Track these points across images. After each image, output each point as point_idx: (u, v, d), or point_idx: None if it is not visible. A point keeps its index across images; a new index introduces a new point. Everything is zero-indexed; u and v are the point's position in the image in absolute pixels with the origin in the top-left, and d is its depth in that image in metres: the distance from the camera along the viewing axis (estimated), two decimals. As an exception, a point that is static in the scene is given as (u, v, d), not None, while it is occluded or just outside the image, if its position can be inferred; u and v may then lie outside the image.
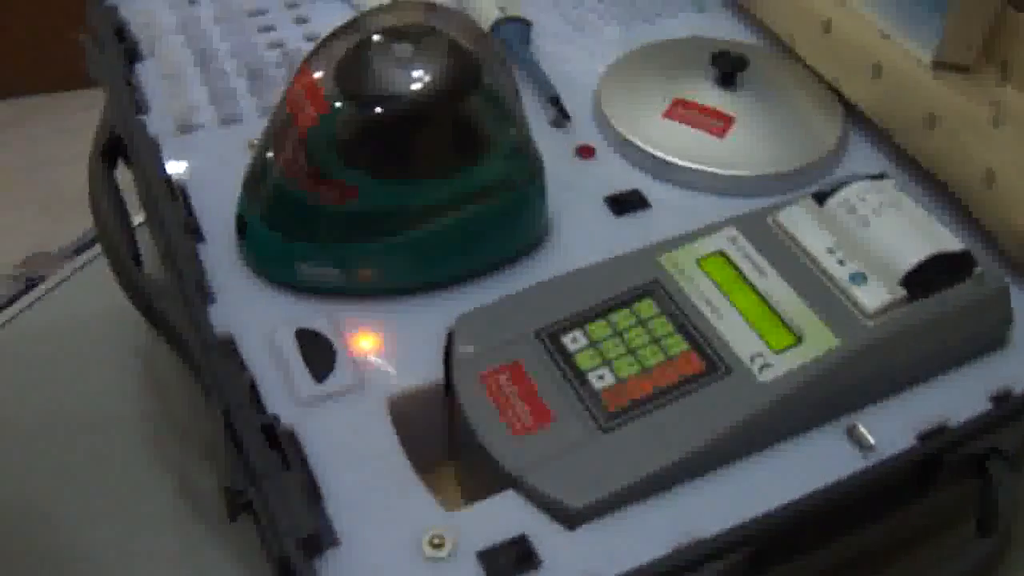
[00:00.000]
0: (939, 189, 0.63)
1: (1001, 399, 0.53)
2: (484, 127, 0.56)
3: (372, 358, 0.55)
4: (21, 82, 1.86)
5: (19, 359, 0.72)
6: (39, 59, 1.74)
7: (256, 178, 0.58)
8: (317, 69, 0.56)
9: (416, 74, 0.55)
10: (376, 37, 0.56)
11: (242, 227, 0.59)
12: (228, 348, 0.55)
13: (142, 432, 0.66)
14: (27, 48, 1.78)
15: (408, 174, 0.55)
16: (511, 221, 0.58)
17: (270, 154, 0.57)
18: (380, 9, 0.61)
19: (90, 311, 0.74)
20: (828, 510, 0.48)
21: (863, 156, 0.67)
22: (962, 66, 0.63)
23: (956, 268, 0.54)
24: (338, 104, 0.55)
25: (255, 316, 0.56)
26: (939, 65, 0.63)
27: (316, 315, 0.56)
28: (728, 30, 0.76)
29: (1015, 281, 0.59)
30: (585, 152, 0.66)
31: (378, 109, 0.55)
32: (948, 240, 0.54)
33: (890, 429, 0.51)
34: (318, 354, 0.54)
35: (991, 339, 0.56)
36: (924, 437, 0.51)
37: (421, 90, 0.55)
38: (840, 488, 0.48)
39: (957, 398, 0.53)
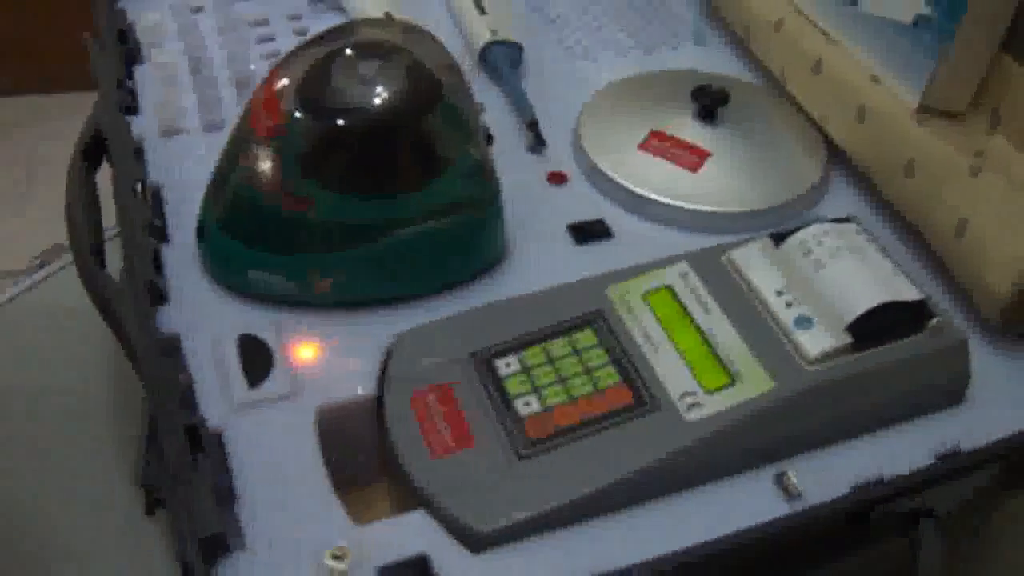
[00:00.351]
0: (919, 238, 0.61)
1: (947, 458, 0.51)
2: (441, 147, 0.56)
3: (309, 368, 0.54)
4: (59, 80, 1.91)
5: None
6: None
7: (217, 184, 0.58)
8: (281, 80, 0.57)
9: (374, 91, 0.55)
10: (339, 52, 0.57)
11: (201, 232, 0.59)
12: (172, 348, 0.55)
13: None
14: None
15: (362, 189, 0.55)
16: (465, 242, 0.58)
17: (231, 162, 0.58)
18: (359, 23, 0.61)
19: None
20: (737, 553, 0.46)
21: (844, 199, 0.65)
22: (950, 112, 0.61)
23: (910, 318, 0.52)
24: (296, 115, 0.55)
25: (204, 319, 0.57)
26: (926, 110, 0.61)
27: (262, 322, 0.56)
28: (727, 65, 0.75)
29: (984, 337, 0.57)
30: (556, 178, 0.65)
31: (333, 122, 0.55)
32: (904, 288, 0.52)
33: (823, 479, 0.50)
34: (256, 360, 0.54)
35: (945, 395, 0.54)
36: (857, 489, 0.49)
37: (378, 107, 0.55)
38: (750, 533, 0.46)
39: (900, 454, 0.51)
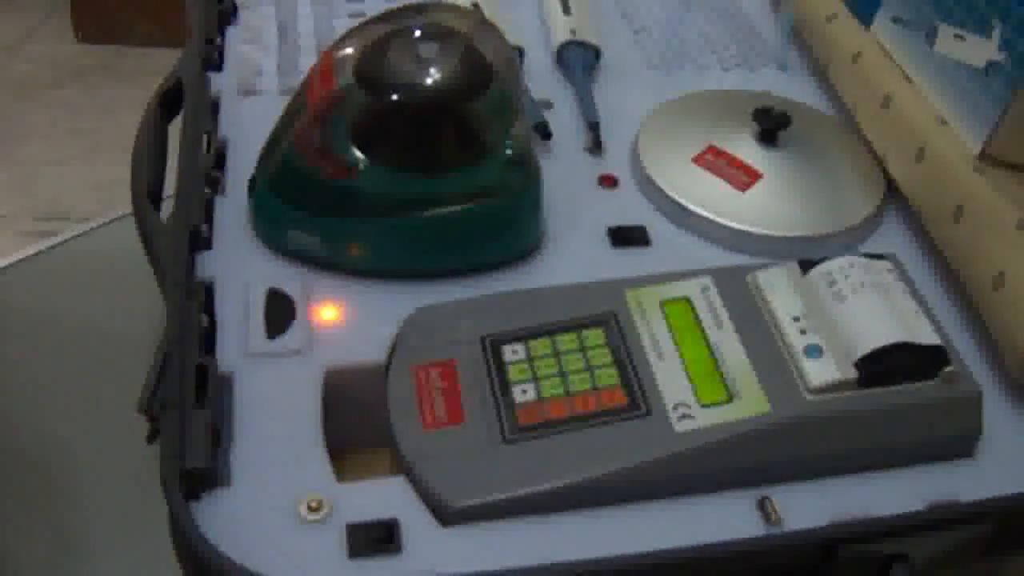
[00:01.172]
0: (962, 288, 0.60)
1: (938, 508, 0.50)
2: (486, 133, 0.57)
3: (327, 329, 0.56)
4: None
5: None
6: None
7: (271, 145, 0.61)
8: (341, 51, 0.59)
9: (427, 71, 0.57)
10: (400, 31, 0.58)
11: (252, 187, 0.61)
12: (202, 291, 0.57)
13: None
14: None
15: (404, 163, 0.57)
16: (498, 228, 0.59)
17: (285, 125, 0.60)
18: (434, 6, 0.63)
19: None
20: (698, 568, 0.46)
21: (894, 239, 0.64)
22: (1012, 164, 0.59)
23: (924, 363, 0.51)
24: (349, 86, 0.57)
25: (240, 270, 0.59)
26: (987, 158, 0.60)
27: (293, 280, 0.58)
28: (804, 93, 0.74)
29: (1009, 395, 0.55)
30: (607, 181, 0.66)
31: (383, 96, 0.56)
32: (923, 331, 0.51)
33: (807, 510, 0.49)
34: (279, 314, 0.56)
35: (953, 447, 0.52)
36: (834, 525, 0.48)
37: (428, 86, 0.56)
38: (715, 549, 0.46)
39: (892, 498, 0.50)
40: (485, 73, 0.57)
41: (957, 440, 0.52)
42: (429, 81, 0.56)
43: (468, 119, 0.57)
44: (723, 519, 0.48)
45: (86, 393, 0.71)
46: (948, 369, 0.50)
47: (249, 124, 0.69)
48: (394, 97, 0.56)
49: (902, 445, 0.51)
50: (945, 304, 0.60)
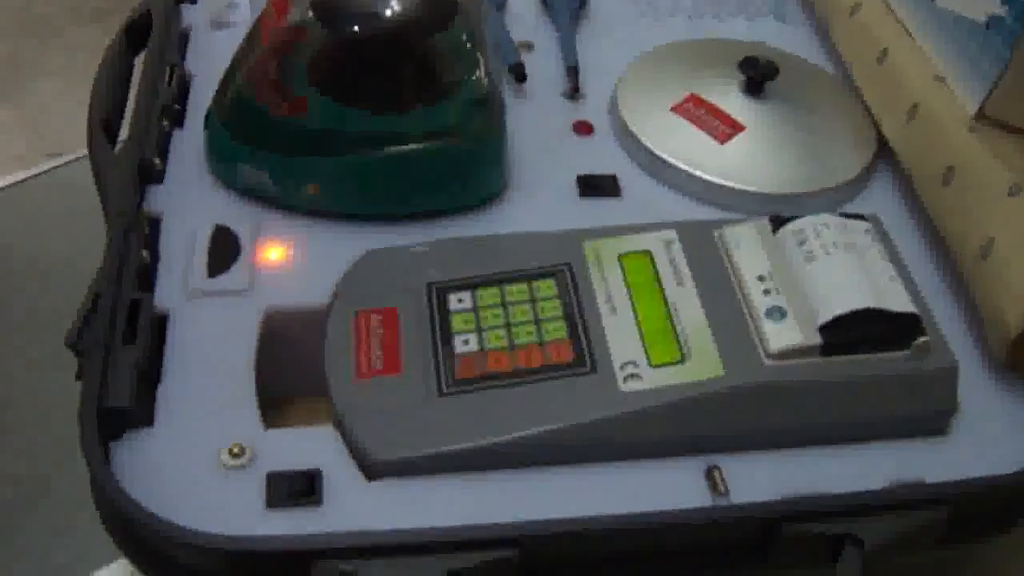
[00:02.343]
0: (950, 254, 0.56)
1: (900, 489, 0.47)
2: (447, 71, 0.54)
3: (272, 269, 0.53)
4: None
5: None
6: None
7: (226, 78, 0.58)
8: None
9: (386, 4, 0.53)
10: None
11: (207, 122, 0.58)
12: (144, 224, 0.55)
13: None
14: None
15: (359, 101, 0.54)
16: (457, 172, 0.56)
17: (240, 58, 0.57)
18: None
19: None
20: (632, 538, 0.43)
21: (882, 200, 0.60)
22: (1009, 126, 0.55)
23: (896, 332, 0.47)
24: (304, 19, 0.54)
25: (190, 206, 0.57)
26: (983, 118, 0.56)
27: (242, 218, 0.56)
28: (801, 46, 0.70)
29: (991, 370, 0.52)
30: (582, 128, 0.62)
31: (339, 29, 0.53)
32: (897, 298, 0.48)
33: (757, 483, 0.46)
34: (224, 252, 0.54)
35: (922, 425, 0.49)
36: (784, 500, 0.45)
37: (387, 19, 0.53)
38: (650, 518, 0.43)
39: (849, 475, 0.47)
40: (448, 8, 0.54)
41: (929, 417, 0.49)
42: (388, 14, 0.53)
43: (427, 56, 0.54)
44: (667, 488, 0.45)
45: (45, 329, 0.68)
46: (921, 339, 0.47)
47: (219, 58, 0.66)
48: (350, 30, 0.53)
49: (867, 419, 0.48)
50: (930, 272, 0.56)
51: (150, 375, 0.48)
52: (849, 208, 0.59)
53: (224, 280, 0.52)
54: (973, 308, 0.54)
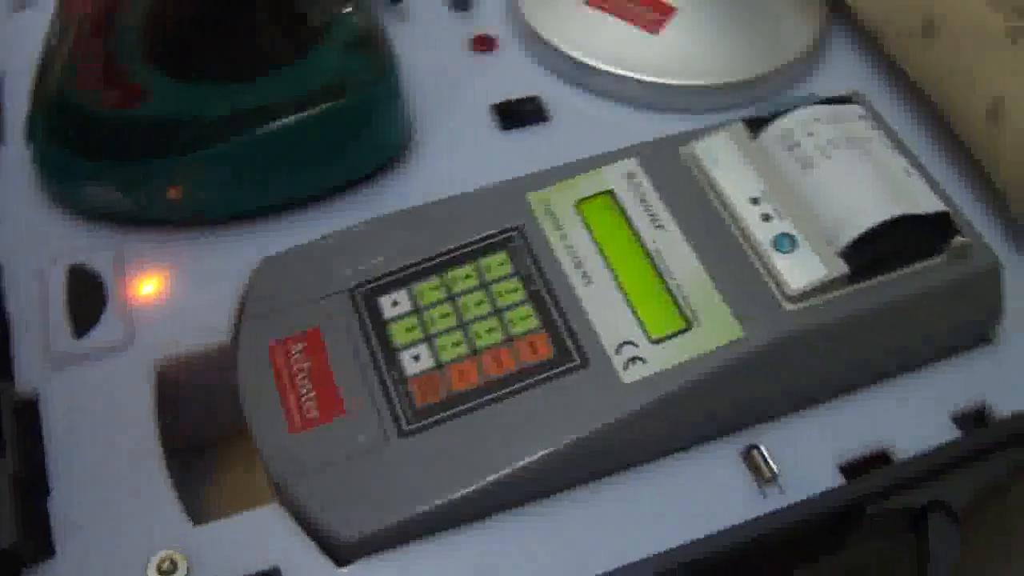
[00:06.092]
0: (940, 123, 0.48)
1: (971, 420, 0.39)
2: (309, 12, 0.42)
3: (151, 308, 0.42)
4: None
5: None
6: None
7: (41, 76, 0.45)
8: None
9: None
10: None
11: (29, 133, 0.46)
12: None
13: None
14: None
15: (212, 72, 0.42)
16: (349, 134, 0.44)
17: (50, 49, 0.44)
18: None
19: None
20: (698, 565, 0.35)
21: (846, 70, 0.51)
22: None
23: (927, 237, 0.39)
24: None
25: (31, 244, 0.44)
26: (956, -49, 0.47)
27: (97, 248, 0.44)
28: None
29: (1020, 252, 0.44)
30: (482, 44, 0.51)
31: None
32: (922, 196, 0.39)
33: (804, 454, 0.38)
34: (87, 299, 0.42)
35: (968, 336, 0.41)
36: (851, 470, 0.37)
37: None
38: (717, 541, 0.35)
39: (905, 416, 0.39)
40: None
41: (974, 326, 0.41)
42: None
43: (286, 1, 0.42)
44: (703, 490, 0.37)
45: None
46: (957, 240, 0.39)
47: (28, 46, 0.52)
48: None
49: (908, 346, 0.40)
50: (924, 150, 0.48)
51: (34, 487, 0.37)
52: (812, 87, 0.50)
53: (95, 336, 0.41)
54: (982, 183, 0.46)
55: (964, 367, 0.40)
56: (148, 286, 0.43)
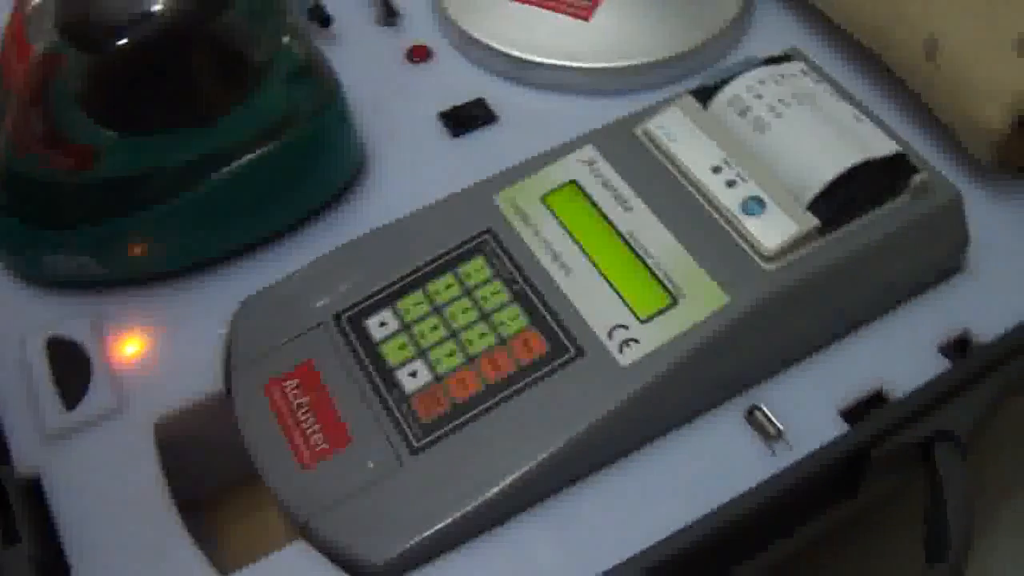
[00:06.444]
0: (876, 67, 0.49)
1: (956, 348, 0.40)
2: (249, 50, 0.42)
3: (139, 369, 0.42)
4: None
5: None
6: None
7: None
8: (32, 2, 0.42)
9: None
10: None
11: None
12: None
13: None
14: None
15: (160, 124, 0.42)
16: (306, 163, 0.44)
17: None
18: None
19: None
20: (723, 536, 0.35)
21: (775, 30, 0.52)
22: None
23: (887, 179, 0.40)
24: (53, 46, 0.41)
25: (7, 320, 0.43)
26: None
27: (72, 316, 0.43)
28: None
29: (974, 181, 0.45)
30: (418, 54, 0.51)
31: (101, 46, 0.40)
32: (876, 140, 0.40)
33: (804, 405, 0.39)
34: (72, 371, 0.41)
35: (939, 269, 0.42)
36: (851, 414, 0.38)
37: (155, 16, 0.40)
38: (743, 503, 0.35)
39: (893, 354, 0.40)
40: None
41: (944, 257, 0.42)
42: (155, 9, 0.40)
43: (221, 42, 0.42)
44: (714, 455, 0.38)
45: None
46: (917, 177, 0.40)
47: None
48: (114, 45, 0.40)
49: (887, 285, 0.41)
50: (863, 92, 0.49)
51: (54, 569, 0.36)
52: (747, 50, 0.51)
53: (87, 406, 0.40)
54: (924, 118, 0.47)
55: (941, 299, 0.42)
56: (131, 346, 0.42)
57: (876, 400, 0.39)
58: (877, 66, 0.49)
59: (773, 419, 0.38)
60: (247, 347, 0.41)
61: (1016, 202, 0.45)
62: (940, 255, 0.42)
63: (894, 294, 0.41)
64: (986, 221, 0.44)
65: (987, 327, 0.40)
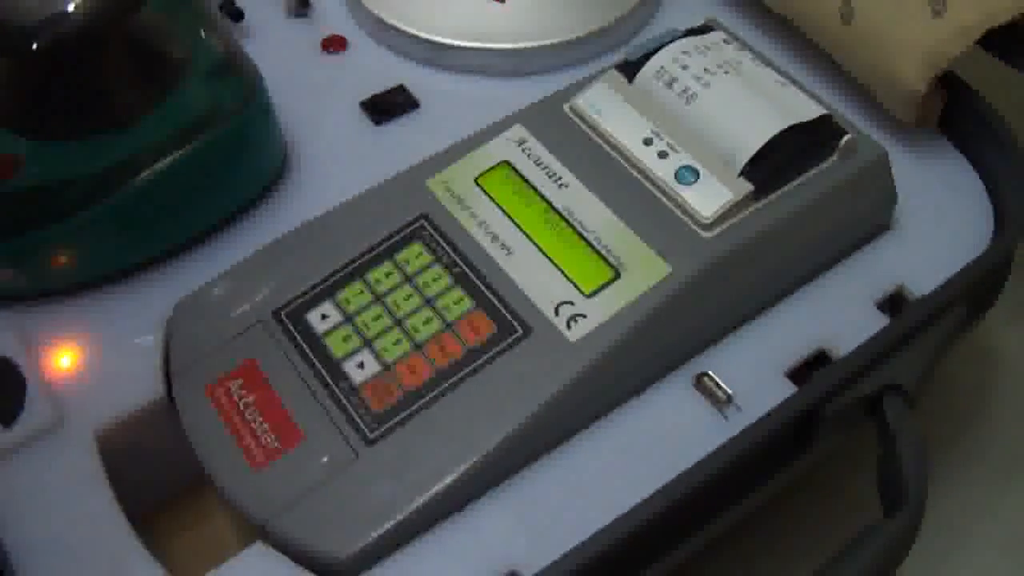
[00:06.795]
0: (794, 33, 0.50)
1: (892, 304, 0.41)
2: (167, 47, 0.41)
3: (75, 380, 0.40)
4: None
5: None
6: None
7: None
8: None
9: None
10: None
11: None
12: None
13: None
14: None
15: (79, 128, 0.40)
16: (231, 160, 0.43)
17: None
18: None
19: None
20: (684, 504, 0.35)
21: (688, 2, 0.53)
22: None
23: (816, 142, 0.40)
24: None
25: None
26: None
27: (1, 330, 0.41)
28: None
29: (896, 145, 0.46)
30: (333, 44, 0.51)
31: (12, 48, 0.39)
32: (801, 104, 0.41)
33: (751, 369, 0.39)
34: (6, 388, 0.40)
35: (870, 226, 0.43)
36: (797, 374, 0.39)
37: (68, 16, 0.39)
38: (700, 470, 0.35)
39: (833, 313, 0.41)
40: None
41: (874, 216, 0.43)
42: (69, 8, 0.39)
43: (137, 38, 0.41)
44: (667, 424, 0.38)
45: None
46: (845, 139, 0.40)
47: None
48: (28, 46, 0.38)
49: (820, 245, 0.42)
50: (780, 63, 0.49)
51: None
52: (664, 23, 0.52)
53: (24, 423, 0.38)
54: (843, 82, 0.48)
55: (874, 257, 0.42)
56: (65, 358, 0.41)
57: (820, 359, 0.39)
58: (788, 32, 0.49)
59: (721, 384, 0.38)
60: (185, 350, 0.40)
61: (936, 159, 0.46)
62: (870, 213, 0.43)
63: (829, 253, 0.42)
64: (910, 179, 0.45)
65: (920, 281, 0.41)
